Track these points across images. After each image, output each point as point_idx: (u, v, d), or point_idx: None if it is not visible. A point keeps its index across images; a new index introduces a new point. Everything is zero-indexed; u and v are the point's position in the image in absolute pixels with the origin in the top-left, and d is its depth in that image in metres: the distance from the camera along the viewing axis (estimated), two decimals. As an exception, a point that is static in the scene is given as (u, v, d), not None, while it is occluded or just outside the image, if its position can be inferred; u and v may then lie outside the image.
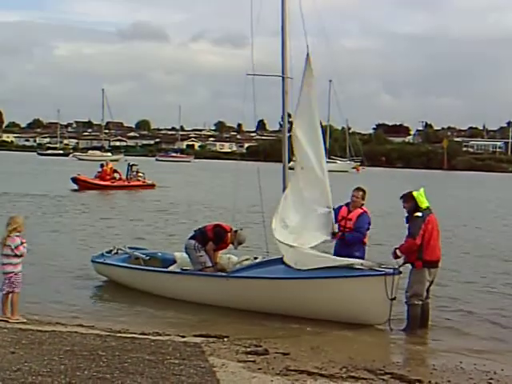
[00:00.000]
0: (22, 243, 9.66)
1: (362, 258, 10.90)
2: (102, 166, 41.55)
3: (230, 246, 12.19)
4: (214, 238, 11.97)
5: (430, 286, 10.34)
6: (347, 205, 11.36)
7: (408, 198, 10.27)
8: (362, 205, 11.34)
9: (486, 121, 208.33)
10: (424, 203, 10.16)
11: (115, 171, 41.43)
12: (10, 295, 9.66)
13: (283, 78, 11.39)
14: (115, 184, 40.32)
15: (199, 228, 12.46)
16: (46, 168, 61.50)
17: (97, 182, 39.85)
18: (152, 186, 42.33)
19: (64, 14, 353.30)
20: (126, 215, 26.17)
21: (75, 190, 38.13)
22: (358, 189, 11.36)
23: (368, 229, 11.23)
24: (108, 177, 40.65)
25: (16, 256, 9.64)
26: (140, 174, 43.03)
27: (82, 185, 38.94)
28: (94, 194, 36.81)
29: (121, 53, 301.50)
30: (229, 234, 12.04)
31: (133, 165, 43.70)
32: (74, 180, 39.41)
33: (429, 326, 10.38)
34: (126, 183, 41.14)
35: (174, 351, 7.95)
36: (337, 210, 11.32)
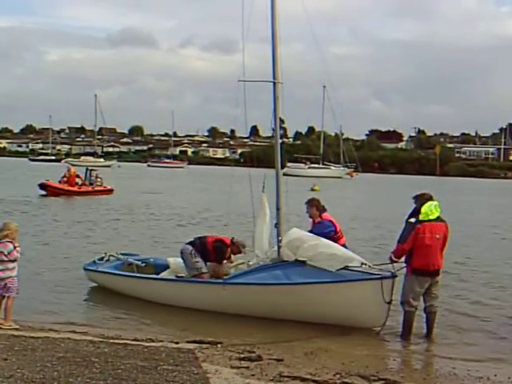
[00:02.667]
0: (15, 248, 9.64)
1: None
2: (68, 170, 41.49)
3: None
4: (214, 252, 11.93)
5: (430, 296, 10.10)
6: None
7: (419, 200, 10.20)
8: (324, 211, 11.63)
9: (479, 127, 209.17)
10: (425, 216, 9.91)
11: (77, 176, 41.38)
12: (4, 300, 9.63)
13: (274, 84, 11.42)
14: (82, 190, 40.35)
15: (199, 237, 12.38)
16: (33, 174, 60.81)
17: (65, 187, 39.64)
18: (111, 191, 42.37)
19: (54, 19, 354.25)
20: (98, 221, 26.18)
21: (43, 196, 37.78)
22: (306, 202, 11.69)
23: (328, 234, 11.27)
24: (73, 182, 40.64)
25: (11, 261, 9.62)
26: (98, 179, 42.96)
27: (51, 190, 38.68)
28: (63, 199, 36.64)
29: (111, 58, 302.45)
30: (229, 249, 12.05)
31: (91, 169, 43.64)
32: (42, 186, 39.10)
33: (432, 337, 10.22)
34: (90, 188, 41.20)
35: (167, 357, 7.93)
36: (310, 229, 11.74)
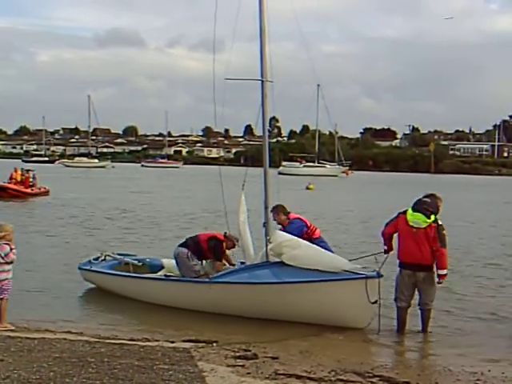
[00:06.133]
0: (11, 250, 9.65)
1: None
2: (16, 170, 40.78)
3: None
4: (211, 251, 11.88)
5: (420, 293, 10.12)
6: None
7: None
8: (289, 213, 11.79)
9: (472, 124, 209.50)
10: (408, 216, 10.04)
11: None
12: None
13: (262, 82, 11.43)
14: (35, 191, 39.93)
15: (191, 236, 12.27)
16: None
17: (23, 189, 38.98)
18: (47, 192, 41.73)
19: (44, 20, 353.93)
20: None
21: None
22: (271, 210, 11.66)
23: (301, 230, 11.50)
24: (28, 184, 40.21)
25: (7, 263, 9.64)
26: (35, 180, 42.16)
27: (9, 193, 37.74)
28: (20, 201, 36.13)
29: (102, 58, 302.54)
30: (224, 244, 11.97)
31: (28, 170, 42.72)
32: None
33: (427, 334, 10.24)
34: (39, 190, 40.72)
35: (163, 357, 7.95)
36: None
